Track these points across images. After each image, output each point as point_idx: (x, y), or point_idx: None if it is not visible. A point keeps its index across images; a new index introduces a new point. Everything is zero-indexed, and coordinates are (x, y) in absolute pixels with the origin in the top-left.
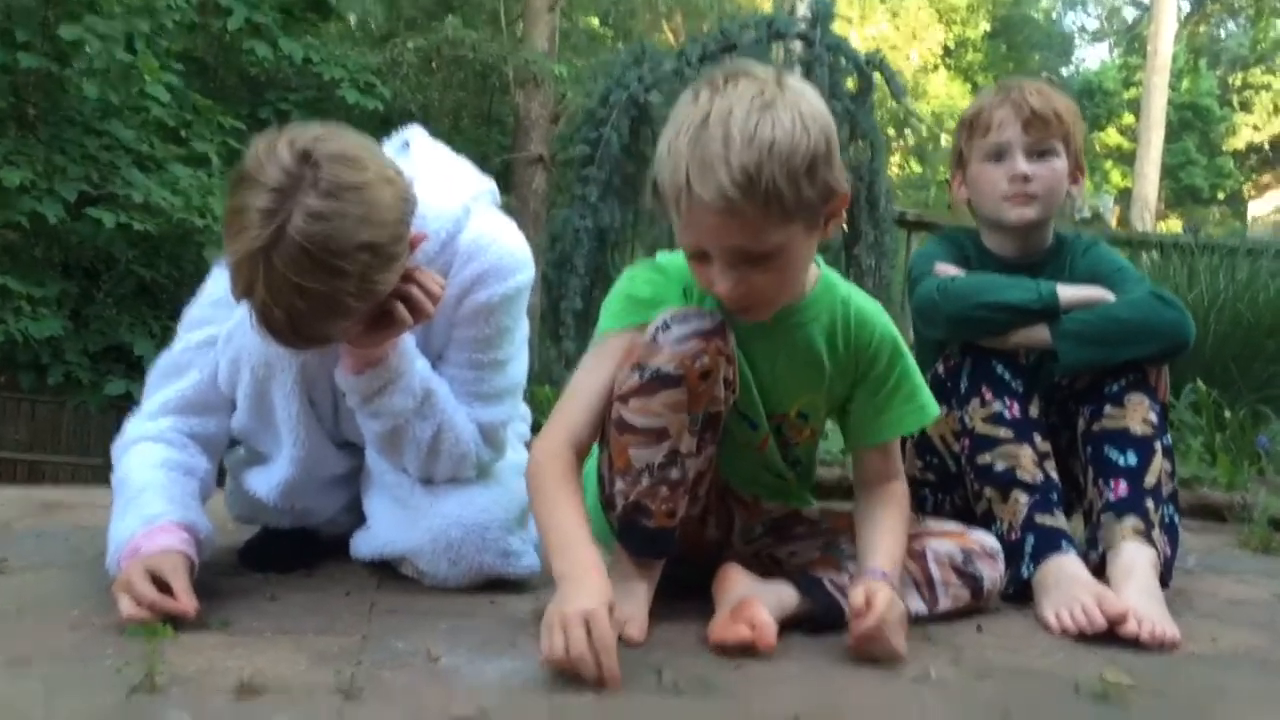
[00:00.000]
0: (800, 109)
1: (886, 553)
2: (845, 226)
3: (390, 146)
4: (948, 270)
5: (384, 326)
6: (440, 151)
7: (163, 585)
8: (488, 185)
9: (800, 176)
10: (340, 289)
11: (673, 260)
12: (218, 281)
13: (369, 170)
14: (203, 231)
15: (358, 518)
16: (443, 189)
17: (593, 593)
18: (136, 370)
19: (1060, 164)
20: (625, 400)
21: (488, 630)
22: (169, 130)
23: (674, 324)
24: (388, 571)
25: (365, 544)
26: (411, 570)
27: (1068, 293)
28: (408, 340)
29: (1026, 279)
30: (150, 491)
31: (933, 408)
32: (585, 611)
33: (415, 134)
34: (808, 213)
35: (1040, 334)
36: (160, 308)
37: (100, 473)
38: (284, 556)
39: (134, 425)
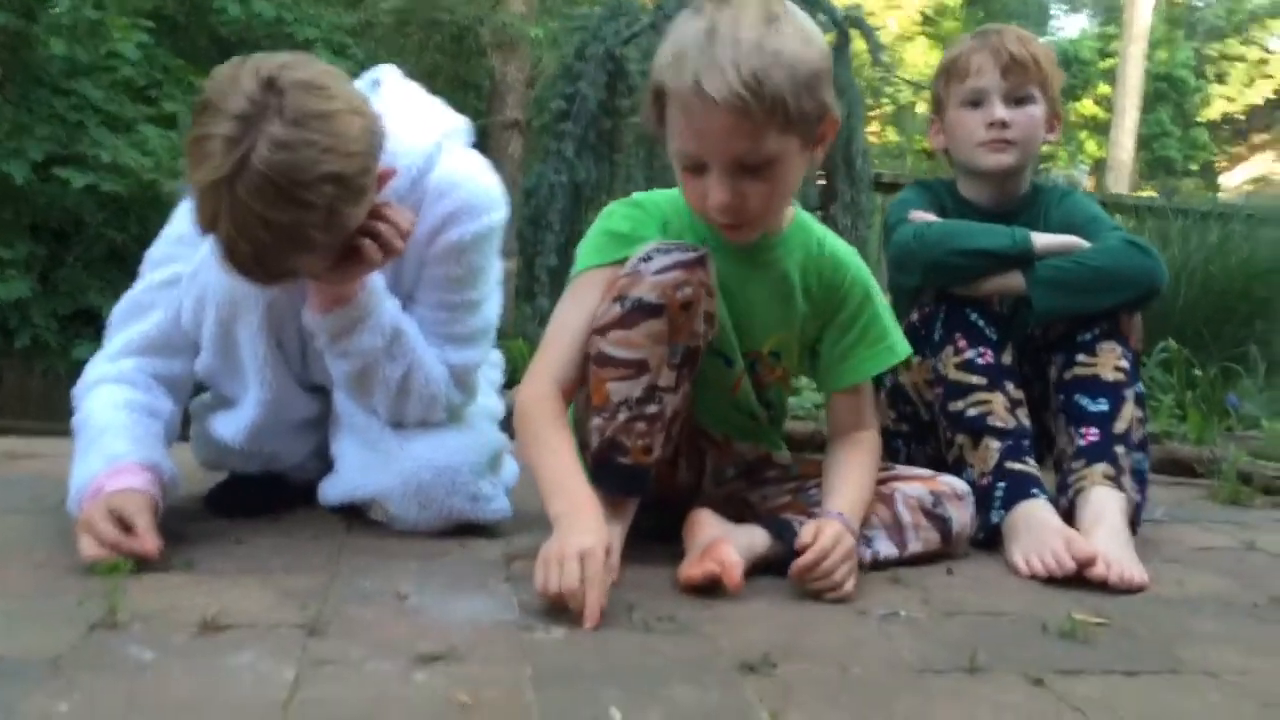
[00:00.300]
0: (802, 26)
1: (846, 497)
2: (822, 181)
3: (361, 84)
4: (924, 217)
5: (352, 263)
6: (412, 89)
7: (125, 525)
8: (460, 123)
9: (802, 89)
10: (306, 221)
11: (650, 197)
12: (182, 218)
13: (337, 99)
14: (173, 194)
15: (326, 464)
16: (414, 126)
17: (590, 531)
18: None
19: (1037, 110)
20: (604, 332)
21: (457, 571)
22: (138, 90)
23: (656, 255)
24: (356, 516)
25: (333, 488)
26: (380, 514)
27: (1042, 240)
28: (376, 279)
29: (1001, 226)
30: (112, 432)
31: (902, 347)
32: (582, 549)
33: (387, 72)
34: (805, 127)
35: (1014, 281)
36: (130, 272)
37: (70, 435)
38: (251, 502)
39: (95, 366)
